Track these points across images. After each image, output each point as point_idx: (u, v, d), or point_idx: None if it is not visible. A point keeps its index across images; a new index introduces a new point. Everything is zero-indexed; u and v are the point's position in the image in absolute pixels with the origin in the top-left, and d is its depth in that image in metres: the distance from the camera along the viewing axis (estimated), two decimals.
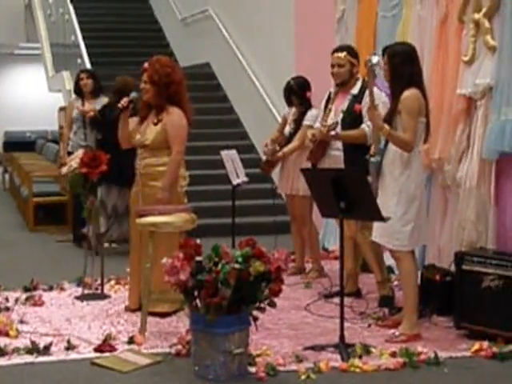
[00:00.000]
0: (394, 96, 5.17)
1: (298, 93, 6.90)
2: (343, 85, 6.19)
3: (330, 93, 6.40)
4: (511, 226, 5.62)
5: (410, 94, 5.07)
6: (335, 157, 6.21)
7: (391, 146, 5.12)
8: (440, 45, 6.31)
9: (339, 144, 6.19)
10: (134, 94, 5.69)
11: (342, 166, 6.06)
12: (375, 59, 5.18)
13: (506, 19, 5.61)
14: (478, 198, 5.78)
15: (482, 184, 5.77)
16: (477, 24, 5.85)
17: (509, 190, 5.66)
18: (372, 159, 5.21)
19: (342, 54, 6.15)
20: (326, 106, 6.34)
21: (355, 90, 6.16)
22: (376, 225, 5.25)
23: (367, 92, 5.68)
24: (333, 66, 6.21)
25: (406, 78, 5.11)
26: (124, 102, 5.65)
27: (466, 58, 5.95)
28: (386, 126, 5.05)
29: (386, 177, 5.18)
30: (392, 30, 6.98)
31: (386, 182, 5.18)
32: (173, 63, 5.87)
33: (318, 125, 6.36)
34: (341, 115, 6.15)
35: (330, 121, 6.17)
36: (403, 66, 5.13)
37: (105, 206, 7.91)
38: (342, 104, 6.20)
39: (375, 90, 5.35)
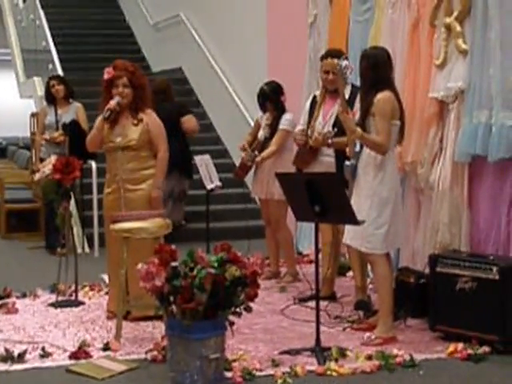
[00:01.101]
0: (361, 99, 5.20)
1: (272, 98, 6.87)
2: (336, 91, 5.87)
3: (314, 96, 6.31)
4: (484, 228, 5.66)
5: (382, 96, 5.08)
6: (327, 163, 6.05)
7: (366, 149, 5.14)
8: (412, 49, 6.33)
9: (331, 150, 6.02)
10: (118, 99, 5.67)
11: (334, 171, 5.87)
12: (344, 63, 5.20)
13: (477, 23, 5.66)
14: (451, 201, 5.81)
15: (455, 187, 5.81)
16: (448, 28, 5.89)
17: (481, 192, 5.70)
18: (347, 162, 5.23)
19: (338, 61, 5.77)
20: (311, 110, 6.22)
21: (345, 95, 5.80)
22: (348, 227, 5.25)
23: (359, 96, 5.66)
24: (327, 72, 6.03)
25: (368, 81, 5.14)
26: (114, 104, 5.66)
27: (437, 62, 5.98)
28: (359, 129, 5.06)
29: (360, 180, 5.19)
30: (364, 35, 7.00)
31: (361, 185, 5.19)
32: None
33: (300, 127, 6.27)
34: (332, 120, 6.03)
35: (318, 125, 6.08)
36: (366, 70, 5.16)
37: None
38: (332, 108, 6.07)
39: None
